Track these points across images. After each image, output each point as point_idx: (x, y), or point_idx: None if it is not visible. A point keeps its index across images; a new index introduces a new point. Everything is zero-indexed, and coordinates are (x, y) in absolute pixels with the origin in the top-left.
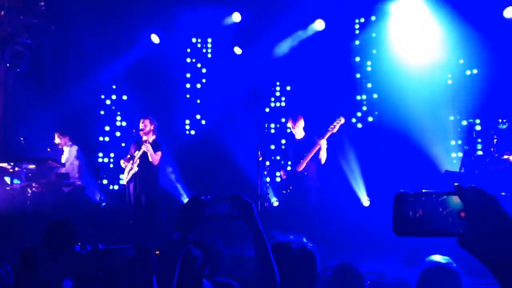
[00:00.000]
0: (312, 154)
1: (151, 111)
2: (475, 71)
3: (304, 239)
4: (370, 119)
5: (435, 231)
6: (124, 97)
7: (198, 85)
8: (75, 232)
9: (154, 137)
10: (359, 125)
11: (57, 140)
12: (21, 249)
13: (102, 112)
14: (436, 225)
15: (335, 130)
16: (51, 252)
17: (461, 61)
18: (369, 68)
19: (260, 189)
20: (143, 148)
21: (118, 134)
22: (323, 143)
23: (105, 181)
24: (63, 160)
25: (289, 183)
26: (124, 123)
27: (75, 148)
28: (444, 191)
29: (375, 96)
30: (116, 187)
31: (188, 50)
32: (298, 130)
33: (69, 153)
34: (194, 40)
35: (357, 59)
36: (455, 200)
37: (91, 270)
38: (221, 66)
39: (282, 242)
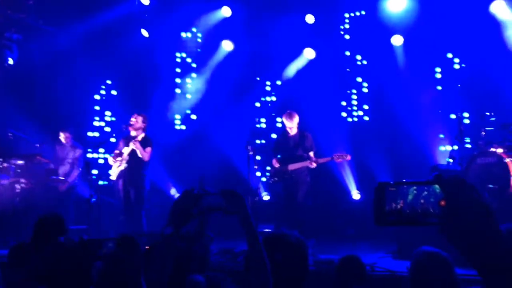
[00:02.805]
0: (303, 165)
1: (140, 106)
2: (463, 65)
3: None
4: (360, 113)
5: (416, 220)
6: (114, 92)
7: (189, 80)
8: (63, 226)
9: (143, 134)
10: (349, 119)
11: (62, 138)
12: (10, 245)
13: (97, 108)
14: (417, 215)
15: (336, 160)
16: (39, 246)
17: (450, 55)
18: (359, 63)
19: (251, 183)
20: (131, 145)
21: (108, 129)
22: (314, 164)
23: (94, 176)
24: (58, 158)
25: (279, 174)
26: (113, 118)
27: (79, 151)
28: (424, 180)
29: (365, 90)
30: (105, 182)
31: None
32: (293, 127)
33: (72, 155)
34: (183, 34)
35: (347, 53)
36: (436, 189)
37: (76, 261)
38: (211, 60)
39: (276, 235)
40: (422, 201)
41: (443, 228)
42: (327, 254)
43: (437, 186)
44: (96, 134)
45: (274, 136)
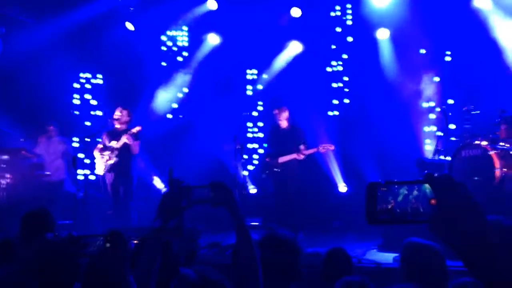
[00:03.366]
0: (291, 157)
1: (126, 99)
2: (448, 58)
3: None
4: (346, 104)
5: (406, 219)
6: (99, 80)
7: (175, 73)
8: (50, 221)
9: (139, 127)
10: (336, 112)
11: (50, 130)
12: None
13: (77, 102)
14: (407, 213)
15: (321, 151)
16: (26, 241)
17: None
18: (345, 56)
19: (238, 177)
20: (124, 139)
21: (88, 123)
22: (301, 156)
23: (80, 171)
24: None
25: (270, 168)
26: (99, 112)
27: (66, 145)
28: (414, 180)
29: (346, 79)
30: (93, 177)
31: (164, 38)
32: (284, 121)
33: (60, 149)
34: (169, 30)
35: (333, 46)
36: (426, 188)
37: (63, 257)
38: (198, 54)
39: (273, 236)
40: (412, 200)
41: (433, 227)
42: (314, 247)
43: (427, 185)
44: (88, 123)
45: (260, 124)
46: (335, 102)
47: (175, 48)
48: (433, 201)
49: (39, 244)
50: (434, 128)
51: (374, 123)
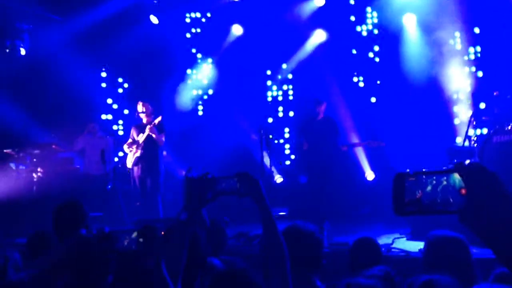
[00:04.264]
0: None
1: (152, 94)
2: (477, 49)
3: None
4: (373, 99)
5: (435, 210)
6: (120, 79)
7: (201, 66)
8: (82, 213)
9: (159, 117)
10: (372, 99)
11: (93, 127)
12: (28, 234)
13: (110, 102)
14: (436, 204)
15: (373, 145)
16: (60, 235)
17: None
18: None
19: (264, 167)
20: (147, 131)
21: (120, 122)
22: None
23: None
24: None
25: (303, 156)
26: (126, 111)
27: (108, 140)
28: (444, 169)
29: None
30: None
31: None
32: (320, 112)
33: (105, 142)
34: (193, 15)
35: (359, 28)
36: (455, 177)
37: (97, 253)
38: (222, 45)
39: (294, 229)
40: (441, 190)
41: (463, 217)
42: (342, 236)
43: (456, 174)
44: (110, 116)
45: (292, 114)
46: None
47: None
48: (463, 191)
49: (71, 240)
50: (465, 114)
51: (403, 111)
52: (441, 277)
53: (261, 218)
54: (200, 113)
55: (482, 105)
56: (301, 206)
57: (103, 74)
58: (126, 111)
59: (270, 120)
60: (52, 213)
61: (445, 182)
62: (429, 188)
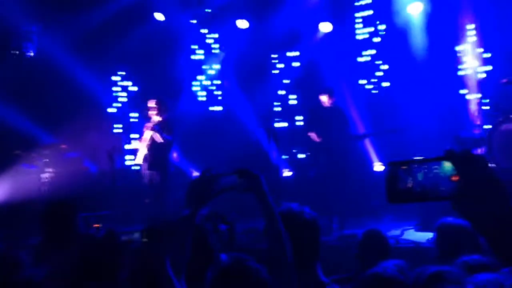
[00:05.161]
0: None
1: (161, 91)
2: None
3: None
4: (385, 84)
5: (427, 197)
6: (131, 87)
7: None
8: (74, 213)
9: (159, 118)
10: (371, 90)
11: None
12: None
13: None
14: (428, 191)
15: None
16: (50, 234)
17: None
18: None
19: (272, 160)
20: (145, 131)
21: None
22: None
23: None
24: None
25: (318, 148)
26: (133, 114)
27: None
28: (435, 157)
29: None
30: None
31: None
32: (327, 102)
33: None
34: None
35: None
36: (446, 165)
37: (105, 252)
38: (231, 39)
39: (287, 213)
40: (433, 177)
41: (455, 203)
42: (352, 229)
43: (447, 162)
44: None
45: (294, 101)
46: (372, 80)
47: (207, 39)
48: (454, 178)
49: (82, 240)
50: (473, 101)
51: (411, 100)
52: (451, 269)
53: (263, 214)
54: (211, 108)
55: (489, 93)
56: (310, 200)
57: (116, 78)
58: (133, 115)
59: (278, 109)
60: (43, 212)
61: (436, 170)
62: (421, 175)
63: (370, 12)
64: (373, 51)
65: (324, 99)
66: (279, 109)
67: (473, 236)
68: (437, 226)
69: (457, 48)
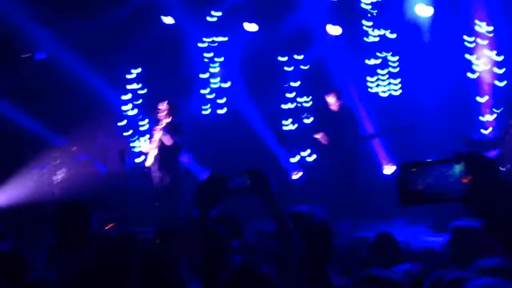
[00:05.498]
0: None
1: (171, 92)
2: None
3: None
4: (394, 87)
5: (438, 198)
6: (140, 89)
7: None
8: (88, 214)
9: (168, 119)
10: (381, 94)
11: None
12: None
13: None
14: (439, 192)
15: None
16: (64, 235)
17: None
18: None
19: (282, 163)
20: (154, 133)
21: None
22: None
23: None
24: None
25: (321, 149)
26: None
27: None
28: (445, 159)
29: (394, 64)
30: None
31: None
32: (335, 103)
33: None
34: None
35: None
36: (457, 166)
37: (118, 252)
38: (236, 42)
39: (297, 215)
40: (443, 179)
41: (466, 204)
42: (363, 231)
43: (457, 163)
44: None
45: (303, 104)
46: (382, 84)
47: (214, 41)
48: (465, 179)
49: (96, 241)
50: (485, 103)
51: (422, 102)
52: (469, 273)
53: (270, 215)
54: (219, 111)
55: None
56: (321, 203)
57: (129, 77)
58: (143, 122)
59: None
60: (56, 213)
61: (447, 171)
62: (431, 177)
63: (379, 13)
64: (383, 54)
65: (331, 100)
66: (288, 109)
67: (487, 238)
68: (450, 229)
69: (469, 48)
